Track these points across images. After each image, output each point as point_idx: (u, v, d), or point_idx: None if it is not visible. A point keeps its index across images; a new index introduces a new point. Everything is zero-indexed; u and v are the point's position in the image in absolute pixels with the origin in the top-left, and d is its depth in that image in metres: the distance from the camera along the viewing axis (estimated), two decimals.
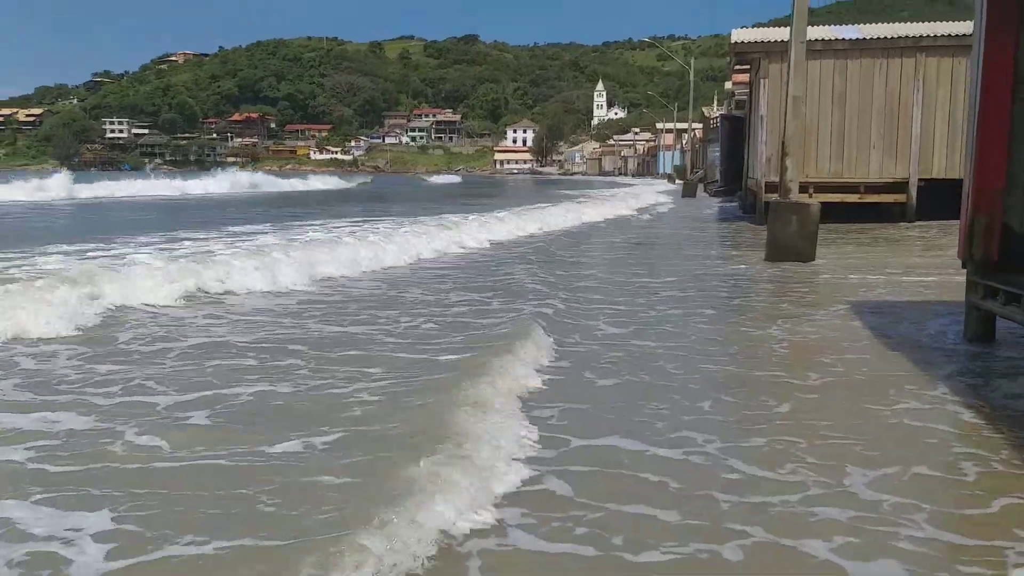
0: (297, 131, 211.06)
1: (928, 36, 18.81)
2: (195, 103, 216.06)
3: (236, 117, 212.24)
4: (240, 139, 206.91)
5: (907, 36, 19.00)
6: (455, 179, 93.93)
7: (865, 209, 19.21)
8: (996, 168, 6.10)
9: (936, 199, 18.10)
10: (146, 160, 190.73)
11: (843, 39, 19.12)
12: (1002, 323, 6.42)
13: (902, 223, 18.65)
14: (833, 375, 5.59)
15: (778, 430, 4.37)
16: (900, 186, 19.11)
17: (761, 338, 6.83)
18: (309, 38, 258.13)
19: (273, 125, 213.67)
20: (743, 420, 4.61)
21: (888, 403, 4.87)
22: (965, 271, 6.63)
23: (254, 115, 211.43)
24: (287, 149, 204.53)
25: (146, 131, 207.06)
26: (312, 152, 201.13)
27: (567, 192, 43.68)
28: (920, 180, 18.96)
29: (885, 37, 19.13)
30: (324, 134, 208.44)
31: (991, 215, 6.21)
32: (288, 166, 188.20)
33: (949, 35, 18.62)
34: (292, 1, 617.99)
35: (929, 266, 11.57)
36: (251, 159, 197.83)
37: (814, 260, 12.07)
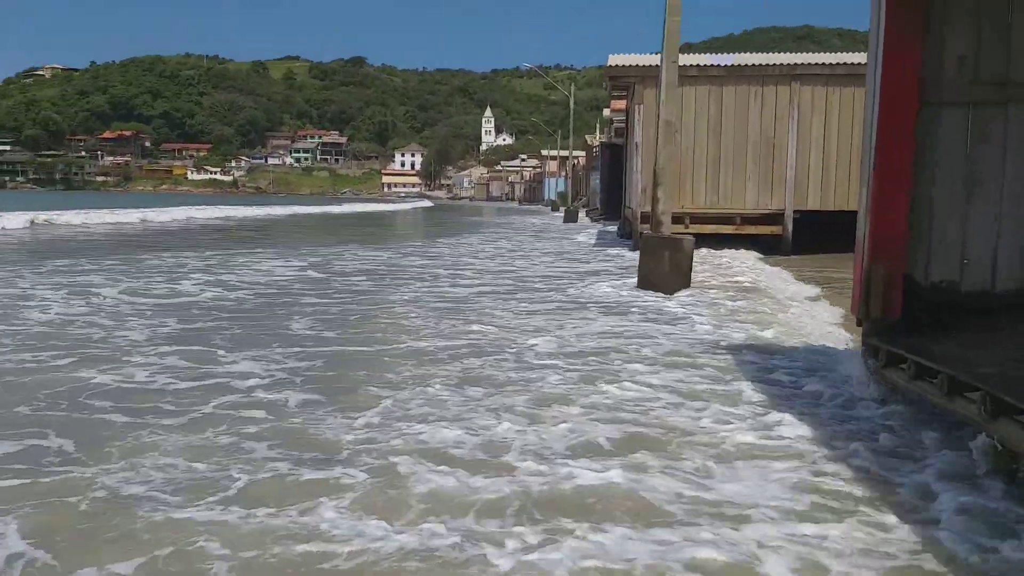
0: (173, 150, 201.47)
1: (803, 64, 18.39)
2: (62, 119, 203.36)
3: (107, 134, 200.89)
4: (111, 157, 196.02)
5: (782, 64, 18.51)
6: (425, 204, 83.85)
7: (742, 240, 18.47)
8: (898, 207, 4.91)
9: (812, 231, 17.56)
10: (7, 178, 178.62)
11: (718, 65, 18.47)
12: None
13: (779, 255, 17.92)
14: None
15: None
16: (776, 217, 18.51)
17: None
18: (188, 55, 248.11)
19: (148, 143, 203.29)
20: None
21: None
22: (861, 329, 5.46)
23: (127, 132, 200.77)
24: (162, 168, 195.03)
25: (7, 148, 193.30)
26: (190, 172, 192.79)
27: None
28: (795, 212, 18.41)
29: (760, 64, 18.58)
30: (203, 153, 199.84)
31: (892, 263, 5.02)
32: (163, 186, 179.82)
33: (823, 64, 18.27)
34: (170, 18, 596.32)
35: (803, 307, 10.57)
36: (123, 178, 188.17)
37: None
